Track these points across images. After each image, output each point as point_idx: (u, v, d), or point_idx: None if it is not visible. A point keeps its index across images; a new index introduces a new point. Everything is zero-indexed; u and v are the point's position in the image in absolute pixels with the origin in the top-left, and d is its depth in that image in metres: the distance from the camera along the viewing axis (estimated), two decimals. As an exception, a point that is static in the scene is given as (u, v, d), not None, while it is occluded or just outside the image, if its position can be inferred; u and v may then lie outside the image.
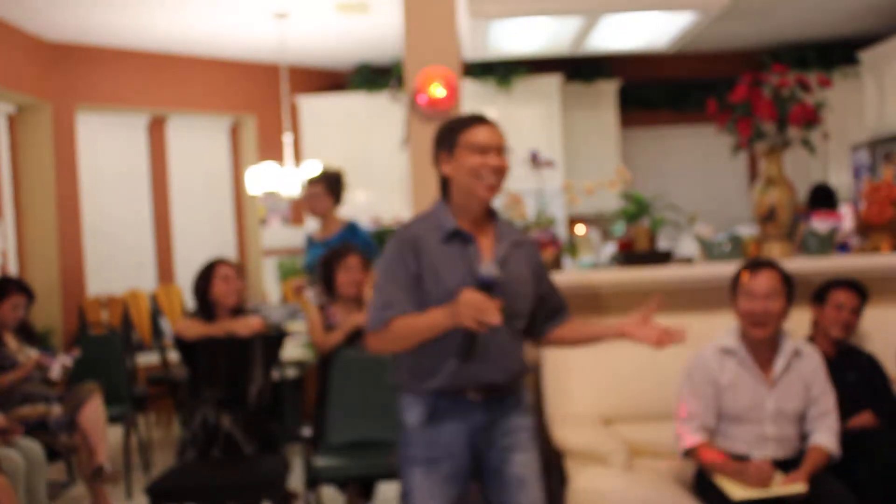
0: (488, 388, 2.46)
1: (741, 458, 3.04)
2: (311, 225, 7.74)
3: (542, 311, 2.62)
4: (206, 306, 3.92)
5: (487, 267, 2.35)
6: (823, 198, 6.22)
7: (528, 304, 2.52)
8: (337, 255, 4.17)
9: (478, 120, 2.53)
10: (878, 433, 3.28)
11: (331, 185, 4.79)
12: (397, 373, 2.54)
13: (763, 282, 3.08)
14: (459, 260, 2.42)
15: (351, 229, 4.78)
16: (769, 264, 3.17)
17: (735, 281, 3.18)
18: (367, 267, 4.19)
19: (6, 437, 3.99)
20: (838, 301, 3.44)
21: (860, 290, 3.47)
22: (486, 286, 2.29)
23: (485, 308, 2.24)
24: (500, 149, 2.51)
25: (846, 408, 3.23)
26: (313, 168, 5.79)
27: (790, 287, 3.13)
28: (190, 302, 6.86)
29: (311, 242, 4.88)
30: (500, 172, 2.48)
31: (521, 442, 2.52)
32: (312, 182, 4.83)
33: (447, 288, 2.37)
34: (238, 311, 3.96)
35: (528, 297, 2.53)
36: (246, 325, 3.89)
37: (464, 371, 2.42)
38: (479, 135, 2.48)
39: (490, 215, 2.54)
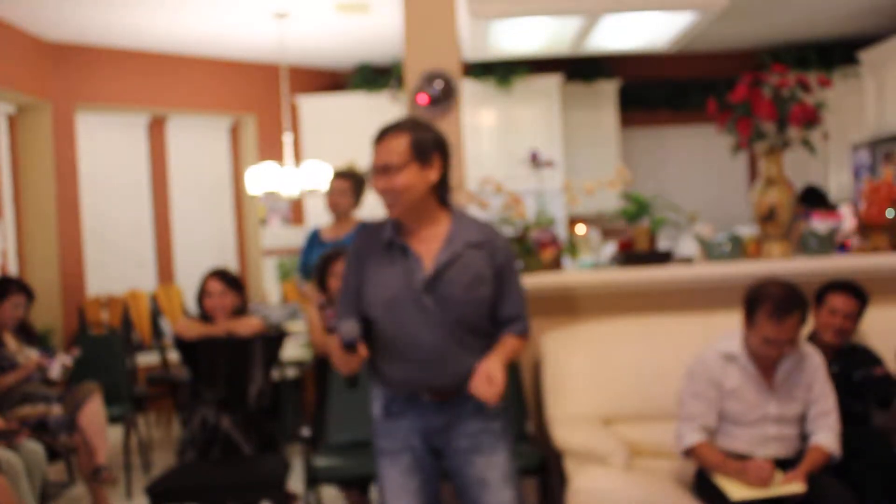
0: (439, 392, 2.49)
1: (742, 458, 3.04)
2: (314, 221, 7.75)
3: (495, 316, 2.51)
4: (205, 313, 3.94)
5: (347, 328, 2.39)
6: (814, 199, 6.23)
7: (476, 309, 2.45)
8: (329, 259, 4.17)
9: (377, 137, 2.46)
10: (878, 432, 3.29)
11: (356, 184, 4.71)
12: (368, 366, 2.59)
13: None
14: (397, 270, 2.45)
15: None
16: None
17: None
18: None
19: (10, 441, 3.98)
20: (833, 306, 3.43)
21: (859, 294, 3.45)
22: (347, 344, 2.39)
23: (341, 364, 2.46)
24: (380, 168, 2.42)
25: (848, 406, 3.23)
26: (334, 166, 5.71)
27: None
28: (190, 302, 6.87)
29: (316, 240, 4.79)
30: (380, 194, 2.44)
31: (483, 445, 2.51)
32: (340, 177, 4.74)
33: (383, 298, 2.45)
34: (238, 311, 3.95)
35: (476, 303, 2.45)
36: (246, 325, 3.89)
37: (411, 375, 2.48)
38: (373, 154, 2.46)
39: (446, 217, 2.48)
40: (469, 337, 2.46)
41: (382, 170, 2.42)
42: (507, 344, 2.50)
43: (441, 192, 2.48)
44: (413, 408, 2.52)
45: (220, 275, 3.93)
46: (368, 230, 2.56)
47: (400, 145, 2.40)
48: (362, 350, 2.41)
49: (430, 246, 2.45)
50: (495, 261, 2.48)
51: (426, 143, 2.42)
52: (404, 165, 2.39)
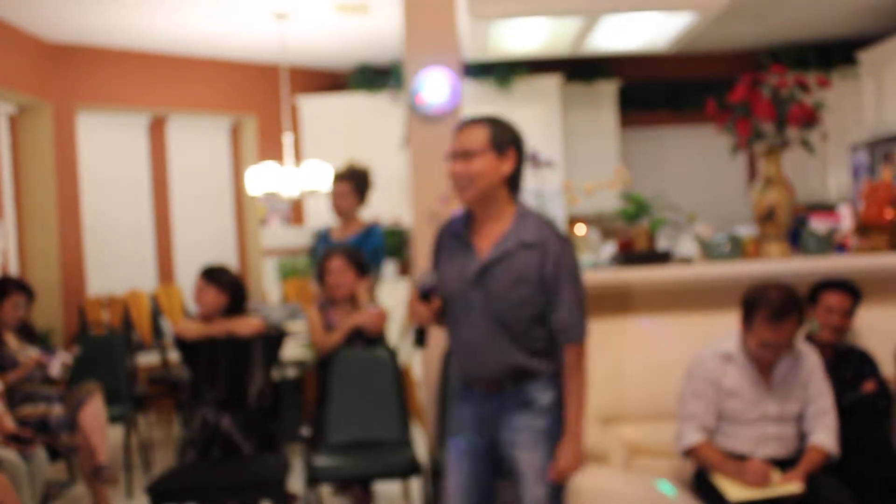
0: (485, 382, 2.60)
1: (741, 458, 3.05)
2: (314, 222, 7.76)
3: (547, 319, 2.56)
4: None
5: (423, 276, 2.59)
6: None
7: (516, 308, 2.52)
8: (325, 257, 4.19)
9: (459, 127, 2.59)
10: (877, 432, 3.29)
11: (358, 183, 4.68)
12: None
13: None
14: (459, 262, 2.58)
15: (367, 233, 4.71)
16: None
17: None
18: (363, 270, 4.18)
19: (23, 447, 3.98)
20: (829, 304, 3.44)
21: (852, 291, 3.46)
22: (423, 293, 2.56)
23: (414, 312, 2.58)
24: (460, 153, 2.54)
25: (843, 406, 3.24)
26: (334, 167, 5.70)
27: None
28: (190, 302, 6.87)
29: (325, 239, 4.80)
30: (455, 178, 2.55)
31: (524, 441, 2.58)
32: (340, 179, 4.72)
33: (445, 287, 2.60)
34: (231, 310, 3.93)
35: (517, 301, 2.51)
36: (246, 325, 3.90)
37: (463, 364, 2.64)
38: (454, 141, 2.57)
39: (512, 215, 2.56)
40: (511, 333, 2.54)
41: (462, 155, 2.53)
42: (574, 414, 2.56)
43: (512, 186, 2.57)
44: (471, 395, 2.66)
45: (206, 273, 3.92)
46: (449, 222, 2.68)
47: (480, 134, 2.52)
48: (435, 302, 2.57)
49: (490, 242, 2.56)
50: (545, 263, 2.52)
51: (504, 137, 2.53)
52: (482, 153, 2.51)
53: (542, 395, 2.58)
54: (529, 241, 2.52)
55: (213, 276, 3.89)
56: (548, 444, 2.57)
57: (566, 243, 2.57)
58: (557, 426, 2.58)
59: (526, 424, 2.58)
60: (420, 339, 2.63)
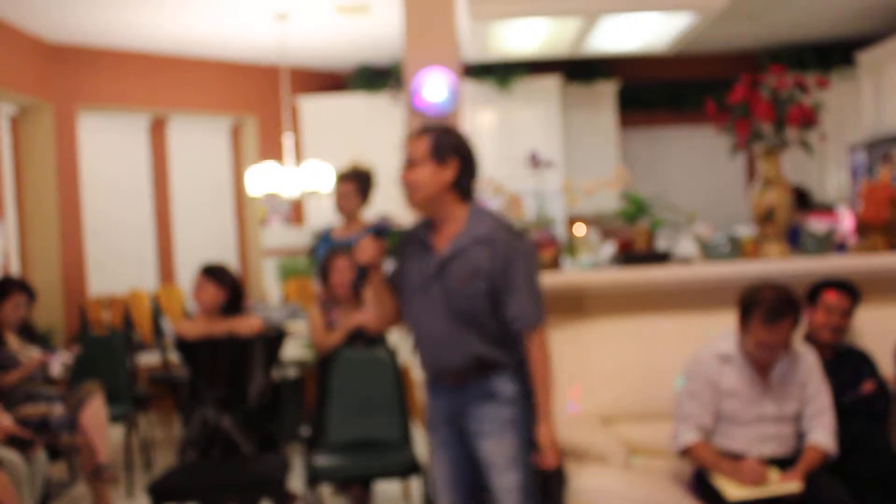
0: (449, 375, 2.71)
1: (738, 458, 3.06)
2: (314, 222, 7.77)
3: (502, 314, 2.65)
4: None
5: (382, 219, 2.71)
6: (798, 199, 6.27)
7: (472, 301, 2.62)
8: (331, 255, 4.20)
9: (410, 136, 2.73)
10: (876, 432, 3.30)
11: (361, 184, 4.68)
12: None
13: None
14: (418, 263, 2.71)
15: (376, 233, 4.68)
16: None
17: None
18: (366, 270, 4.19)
19: (23, 448, 3.99)
20: (828, 304, 3.43)
21: (852, 291, 3.46)
22: (377, 231, 2.69)
23: (362, 248, 2.66)
24: (407, 162, 2.68)
25: (842, 406, 3.25)
26: (334, 166, 5.69)
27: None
28: (190, 302, 6.88)
29: (326, 239, 4.80)
30: (403, 185, 2.69)
31: (490, 430, 2.67)
32: (343, 180, 4.72)
33: (406, 286, 2.73)
34: (230, 308, 3.94)
35: (473, 295, 2.62)
36: (246, 325, 3.90)
37: (426, 359, 2.76)
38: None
39: (465, 215, 2.67)
40: (471, 325, 2.64)
41: (408, 163, 2.68)
42: (542, 397, 2.66)
43: (460, 191, 2.67)
44: (439, 389, 2.77)
45: (206, 270, 3.94)
46: (411, 228, 2.80)
47: (422, 145, 2.66)
48: (384, 242, 2.68)
49: (447, 241, 2.68)
50: (495, 256, 2.62)
51: (445, 146, 2.66)
52: (423, 162, 2.65)
53: (506, 387, 2.67)
54: (481, 236, 2.64)
55: (213, 272, 3.91)
56: (515, 433, 2.66)
57: (518, 238, 2.69)
58: (523, 415, 2.67)
59: (491, 415, 2.67)
60: (361, 277, 2.71)
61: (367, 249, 2.66)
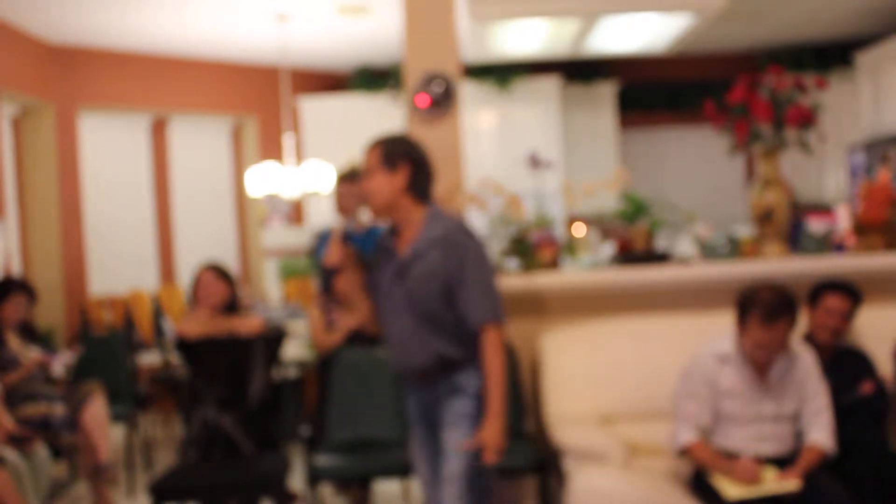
0: (416, 373, 2.82)
1: (734, 457, 3.07)
2: (315, 222, 7.78)
3: (457, 312, 2.73)
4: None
5: (351, 224, 2.85)
6: None
7: (430, 302, 2.73)
8: None
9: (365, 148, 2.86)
10: (875, 431, 3.31)
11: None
12: None
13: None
14: (386, 263, 2.82)
15: (369, 234, 4.70)
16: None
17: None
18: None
19: (22, 445, 4.00)
20: (829, 306, 3.44)
21: (853, 293, 3.47)
22: (345, 236, 2.81)
23: (330, 252, 2.81)
24: (364, 172, 2.81)
25: (841, 406, 3.26)
26: (335, 167, 5.69)
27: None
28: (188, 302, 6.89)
29: (327, 239, 4.79)
30: (364, 196, 2.83)
31: (452, 421, 2.77)
32: (343, 180, 4.74)
33: (378, 291, 2.85)
34: (233, 308, 3.98)
35: (430, 295, 2.72)
36: (247, 325, 3.92)
37: (396, 359, 2.87)
38: None
39: (421, 216, 2.78)
40: (432, 324, 2.75)
41: (365, 173, 2.81)
42: (492, 394, 2.71)
43: (416, 194, 2.79)
44: (412, 387, 2.89)
45: (214, 268, 4.00)
46: (382, 236, 2.89)
47: (373, 155, 2.80)
48: (351, 249, 2.84)
49: (408, 244, 2.80)
50: (448, 257, 2.72)
51: (394, 153, 2.78)
52: (375, 171, 2.78)
53: (470, 381, 2.76)
54: (435, 239, 2.74)
55: (220, 270, 3.99)
56: (468, 424, 2.74)
57: (471, 238, 2.76)
58: (481, 409, 2.75)
59: (455, 407, 2.77)
60: (327, 281, 2.78)
61: (332, 254, 2.78)
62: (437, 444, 2.82)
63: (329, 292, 2.87)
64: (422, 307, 2.74)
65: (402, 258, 2.78)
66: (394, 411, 3.93)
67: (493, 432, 2.70)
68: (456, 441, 2.73)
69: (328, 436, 3.90)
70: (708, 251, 4.07)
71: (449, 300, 2.73)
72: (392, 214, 2.81)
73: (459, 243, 2.73)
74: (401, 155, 2.78)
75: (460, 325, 2.74)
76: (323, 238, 4.85)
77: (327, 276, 2.79)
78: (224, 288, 3.95)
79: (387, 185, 2.77)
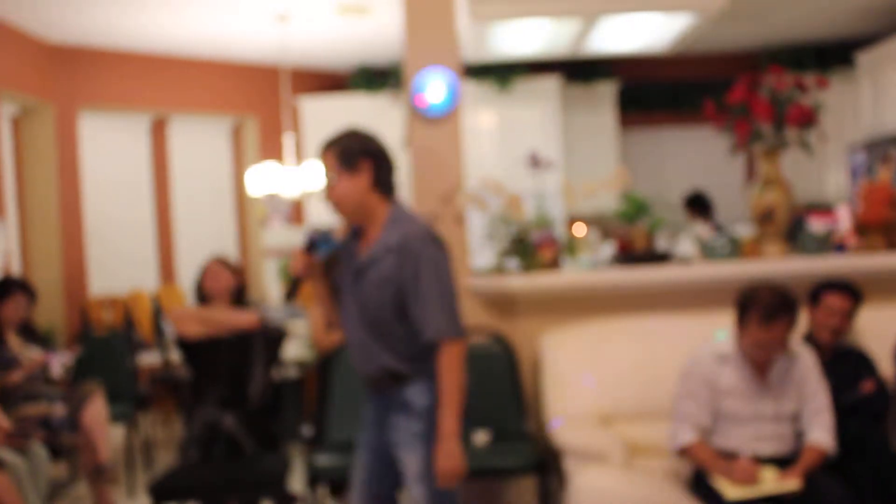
0: (367, 382, 2.71)
1: (733, 456, 3.07)
2: (320, 221, 7.78)
3: (412, 325, 2.58)
4: (202, 300, 3.98)
5: (315, 230, 2.72)
6: (698, 205, 6.92)
7: (383, 309, 2.58)
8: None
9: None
10: (875, 431, 3.31)
11: None
12: None
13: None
14: (347, 265, 2.70)
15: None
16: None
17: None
18: None
19: (19, 443, 4.00)
20: (830, 305, 3.45)
21: (854, 292, 3.48)
22: (308, 244, 2.69)
23: (294, 260, 2.69)
24: (327, 180, 2.65)
25: (842, 406, 3.26)
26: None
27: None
28: (190, 301, 6.89)
29: (327, 240, 4.78)
30: (332, 206, 2.67)
31: (403, 442, 2.63)
32: None
33: (342, 287, 2.72)
34: (241, 300, 3.97)
35: (383, 303, 2.58)
36: (244, 317, 3.87)
37: (353, 365, 2.76)
38: None
39: (383, 218, 2.63)
40: (380, 335, 2.62)
41: (327, 181, 2.65)
42: (444, 413, 2.54)
43: (381, 188, 2.64)
44: (367, 393, 2.76)
45: (219, 260, 3.98)
46: (347, 236, 2.77)
47: (330, 159, 2.63)
48: (315, 258, 2.69)
49: (365, 248, 2.67)
50: (405, 265, 2.56)
51: (351, 152, 2.60)
52: (336, 176, 2.62)
53: (419, 398, 2.60)
54: (392, 244, 2.58)
55: (224, 260, 3.97)
56: (424, 447, 2.58)
57: (429, 244, 2.58)
58: (433, 429, 2.57)
59: (404, 426, 2.62)
60: (292, 290, 2.74)
61: (296, 263, 2.68)
62: (385, 454, 2.70)
63: (292, 300, 2.82)
64: (371, 315, 2.60)
65: (358, 261, 2.65)
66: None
67: (444, 455, 2.52)
68: (418, 470, 2.58)
69: (328, 436, 3.90)
70: (708, 251, 4.07)
71: (401, 312, 2.57)
72: (362, 216, 2.65)
73: (416, 252, 2.54)
74: (358, 153, 2.60)
75: (411, 339, 2.58)
76: (321, 239, 4.85)
77: (292, 285, 2.73)
78: (230, 277, 3.92)
79: (352, 188, 2.60)
